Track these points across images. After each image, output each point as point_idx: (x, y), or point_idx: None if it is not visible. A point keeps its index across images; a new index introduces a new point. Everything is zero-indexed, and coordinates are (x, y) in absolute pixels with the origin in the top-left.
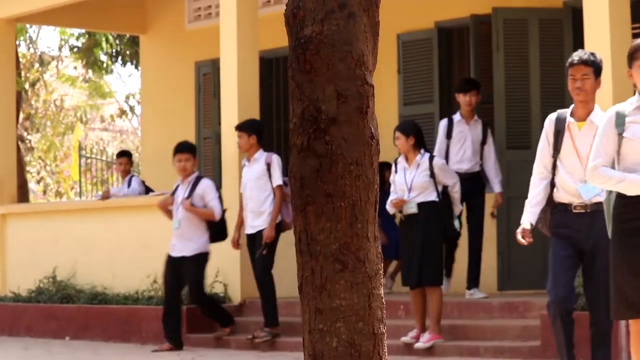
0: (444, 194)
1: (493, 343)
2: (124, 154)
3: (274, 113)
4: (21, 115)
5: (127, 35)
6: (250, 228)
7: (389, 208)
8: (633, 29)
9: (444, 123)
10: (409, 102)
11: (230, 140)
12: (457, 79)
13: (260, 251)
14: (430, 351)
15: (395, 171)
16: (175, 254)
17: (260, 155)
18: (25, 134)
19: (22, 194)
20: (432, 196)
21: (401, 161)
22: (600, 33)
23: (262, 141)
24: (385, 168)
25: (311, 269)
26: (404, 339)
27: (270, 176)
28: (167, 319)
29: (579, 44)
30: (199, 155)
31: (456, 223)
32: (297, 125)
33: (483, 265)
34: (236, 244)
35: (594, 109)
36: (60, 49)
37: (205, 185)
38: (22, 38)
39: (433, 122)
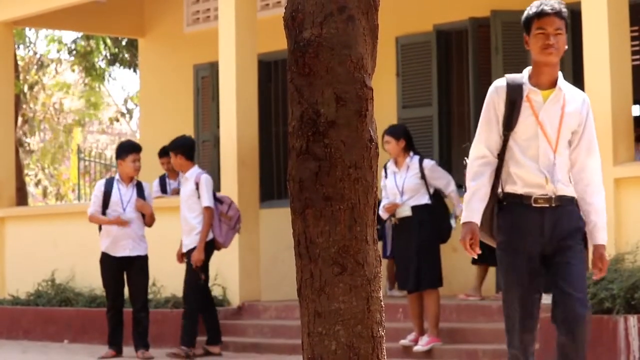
0: (437, 196)
1: (492, 346)
2: (166, 153)
3: (272, 116)
4: (19, 119)
5: (126, 39)
6: (183, 246)
7: (382, 213)
8: (632, 31)
9: None
10: (407, 105)
11: (229, 143)
12: (456, 82)
13: (198, 276)
14: (429, 354)
15: (385, 176)
16: (128, 253)
17: (192, 174)
18: (23, 137)
19: (21, 197)
20: (425, 199)
21: (390, 166)
22: (599, 35)
23: (192, 159)
24: None
25: (310, 272)
26: (403, 342)
27: (199, 196)
28: (116, 323)
29: (577, 45)
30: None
31: (452, 222)
32: (296, 129)
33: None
34: (180, 258)
35: (559, 75)
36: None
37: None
38: (20, 41)
39: (431, 125)
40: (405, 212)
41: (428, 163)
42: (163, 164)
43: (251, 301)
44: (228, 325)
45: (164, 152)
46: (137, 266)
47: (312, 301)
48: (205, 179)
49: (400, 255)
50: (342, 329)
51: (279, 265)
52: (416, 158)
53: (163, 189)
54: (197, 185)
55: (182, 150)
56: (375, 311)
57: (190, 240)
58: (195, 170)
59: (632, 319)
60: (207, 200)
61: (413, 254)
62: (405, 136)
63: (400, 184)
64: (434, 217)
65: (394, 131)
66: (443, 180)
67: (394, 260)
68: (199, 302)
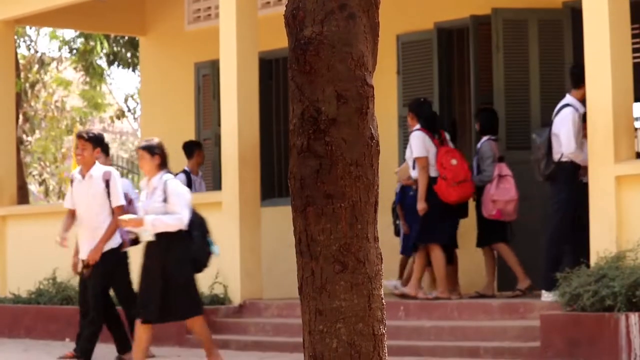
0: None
1: (493, 344)
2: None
3: (273, 114)
4: (20, 117)
5: (125, 38)
6: (84, 253)
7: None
8: (632, 29)
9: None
10: (408, 102)
11: (230, 141)
12: (457, 80)
13: (87, 273)
14: (432, 351)
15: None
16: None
17: (98, 171)
18: (24, 135)
19: (22, 196)
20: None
21: (143, 184)
22: (600, 33)
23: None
24: None
25: (311, 270)
26: None
27: (109, 194)
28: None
29: (578, 44)
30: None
31: (215, 249)
32: (297, 126)
33: (482, 266)
34: (76, 269)
35: None
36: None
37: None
38: (22, 39)
39: None
40: (146, 235)
41: (173, 184)
42: (199, 157)
43: (252, 299)
44: (229, 323)
45: (199, 146)
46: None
47: (313, 299)
48: (117, 175)
49: (143, 279)
50: (344, 326)
51: (280, 264)
52: (167, 177)
53: (189, 184)
54: (106, 182)
55: (102, 144)
56: (377, 309)
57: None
58: (99, 166)
59: (634, 317)
60: (121, 199)
61: (158, 282)
62: (161, 152)
63: (146, 206)
64: (185, 242)
65: (148, 146)
66: (177, 207)
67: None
68: (102, 311)
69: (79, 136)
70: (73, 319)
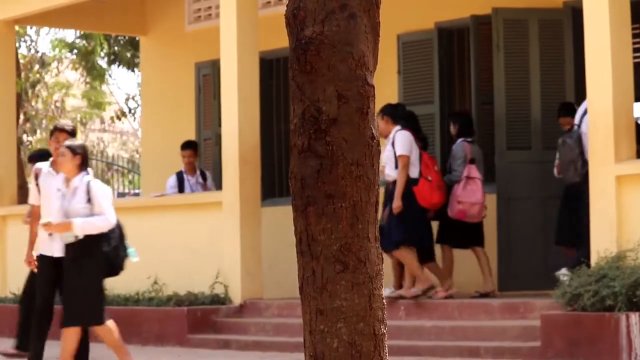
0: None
1: (493, 343)
2: (189, 146)
3: (274, 114)
4: (21, 117)
5: (126, 38)
6: (57, 250)
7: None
8: (633, 29)
9: None
10: (409, 102)
11: (230, 141)
12: (458, 80)
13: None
14: (432, 351)
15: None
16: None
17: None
18: (25, 135)
19: (22, 195)
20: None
21: (59, 183)
22: (600, 33)
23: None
24: None
25: (312, 270)
26: None
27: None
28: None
29: (579, 44)
30: (199, 155)
31: (132, 253)
32: (297, 126)
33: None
34: (33, 263)
35: None
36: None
37: None
38: (22, 39)
39: (433, 122)
40: (69, 238)
41: (95, 185)
42: (184, 157)
43: (253, 299)
44: (230, 323)
45: (187, 145)
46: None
47: (314, 299)
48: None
49: (66, 285)
50: (344, 326)
51: (281, 263)
52: (88, 178)
53: (181, 184)
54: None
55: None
56: (377, 309)
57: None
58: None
59: (634, 317)
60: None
61: (77, 287)
62: (83, 153)
63: (67, 206)
64: (102, 246)
65: (71, 146)
66: (103, 208)
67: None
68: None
69: (61, 129)
70: None
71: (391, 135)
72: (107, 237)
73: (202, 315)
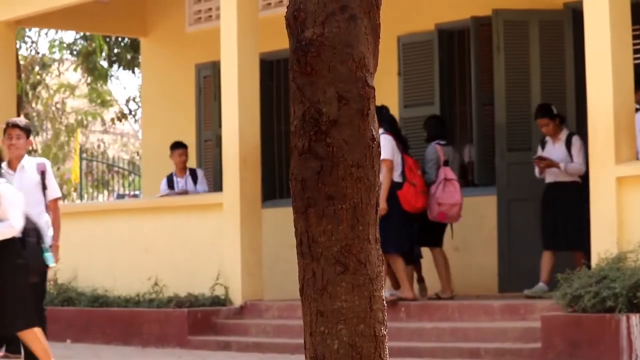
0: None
1: (494, 345)
2: (179, 146)
3: (274, 115)
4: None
5: (126, 40)
6: None
7: None
8: (633, 30)
9: None
10: (409, 104)
11: (231, 142)
12: (458, 81)
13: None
14: (432, 352)
15: None
16: None
17: (30, 162)
18: None
19: None
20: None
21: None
22: (601, 34)
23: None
24: None
25: (312, 271)
26: None
27: (44, 187)
28: None
29: (579, 45)
30: (199, 156)
31: (48, 258)
32: (298, 128)
33: (482, 267)
34: None
35: None
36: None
37: None
38: (22, 40)
39: None
40: None
41: (2, 189)
42: (173, 158)
43: (253, 300)
44: (230, 324)
45: (176, 145)
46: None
47: (315, 300)
48: (50, 165)
49: None
50: (345, 328)
51: (281, 265)
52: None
53: (170, 185)
54: (42, 174)
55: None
56: (378, 310)
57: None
58: (30, 157)
59: (635, 318)
60: (57, 191)
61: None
62: None
63: None
64: (18, 250)
65: None
66: (9, 213)
67: None
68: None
69: (14, 125)
70: (74, 320)
71: None
72: (23, 242)
73: (202, 316)
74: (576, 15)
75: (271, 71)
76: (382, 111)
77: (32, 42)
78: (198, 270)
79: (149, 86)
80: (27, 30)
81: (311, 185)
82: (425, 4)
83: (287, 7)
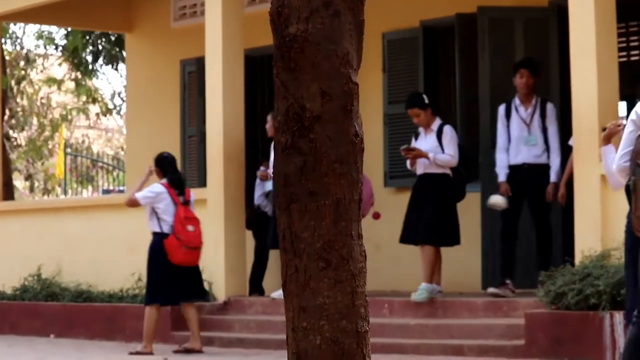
0: None
1: (477, 342)
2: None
3: (259, 111)
4: (6, 113)
5: (109, 35)
6: None
7: None
8: (618, 28)
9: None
10: (394, 100)
11: (215, 138)
12: (443, 78)
13: None
14: (416, 349)
15: None
16: None
17: None
18: (10, 131)
19: (7, 192)
20: None
21: None
22: (586, 32)
23: None
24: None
25: (295, 267)
26: None
27: None
28: None
29: (564, 43)
30: (184, 153)
31: None
32: (281, 123)
33: (467, 265)
34: None
35: None
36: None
37: None
38: (7, 36)
39: None
40: None
41: None
42: None
43: (237, 296)
44: (214, 320)
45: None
46: None
47: (297, 296)
48: None
49: None
50: (327, 323)
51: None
52: None
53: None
54: None
55: None
56: (360, 306)
57: None
58: None
59: (618, 316)
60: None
61: None
62: None
63: None
64: None
65: None
66: None
67: None
68: None
69: None
70: (58, 315)
71: None
72: None
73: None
74: (561, 13)
75: (256, 67)
76: (168, 163)
77: (17, 37)
78: None
79: (133, 82)
80: (12, 24)
81: (294, 181)
82: (410, 1)
83: (272, 3)
